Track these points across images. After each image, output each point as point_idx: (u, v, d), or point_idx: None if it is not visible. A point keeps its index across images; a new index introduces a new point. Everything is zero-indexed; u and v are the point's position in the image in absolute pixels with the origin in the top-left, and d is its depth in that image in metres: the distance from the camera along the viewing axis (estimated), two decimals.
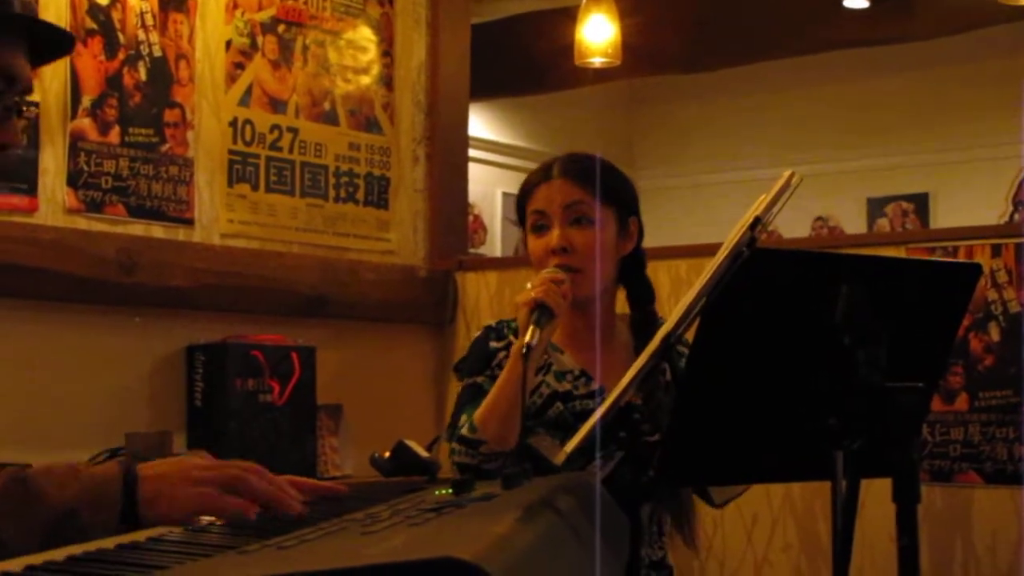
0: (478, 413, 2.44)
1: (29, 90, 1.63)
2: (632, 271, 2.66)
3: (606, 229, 2.57)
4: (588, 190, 2.57)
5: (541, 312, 2.35)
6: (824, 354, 1.80)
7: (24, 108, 1.62)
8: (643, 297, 2.68)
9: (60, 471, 1.38)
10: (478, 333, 2.68)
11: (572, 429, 2.45)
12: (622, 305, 2.70)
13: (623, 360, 2.42)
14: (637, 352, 2.60)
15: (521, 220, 2.66)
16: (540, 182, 2.61)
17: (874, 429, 1.74)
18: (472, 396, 2.54)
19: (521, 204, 2.65)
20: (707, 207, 8.73)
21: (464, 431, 2.45)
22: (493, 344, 2.60)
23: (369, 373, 4.11)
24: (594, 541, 1.19)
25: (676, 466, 1.95)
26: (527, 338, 2.29)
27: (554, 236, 2.54)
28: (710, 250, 2.47)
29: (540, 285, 2.40)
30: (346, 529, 1.01)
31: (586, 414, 2.53)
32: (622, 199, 2.64)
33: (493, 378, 2.54)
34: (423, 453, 3.68)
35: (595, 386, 2.56)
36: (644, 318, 2.66)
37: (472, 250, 4.76)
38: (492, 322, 2.68)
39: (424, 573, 0.72)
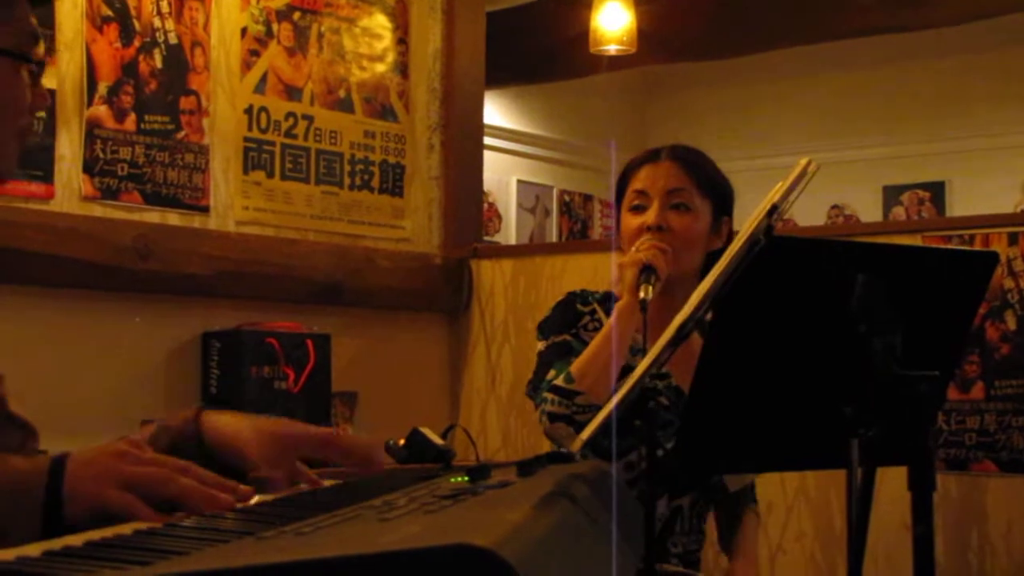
0: (576, 365, 2.46)
1: (44, 59, 1.64)
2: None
3: (701, 219, 2.61)
4: (692, 178, 2.61)
5: (648, 272, 2.40)
6: (840, 342, 1.79)
7: (40, 72, 1.62)
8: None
9: None
10: (560, 298, 2.70)
11: (641, 404, 2.46)
12: None
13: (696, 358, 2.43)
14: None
15: (618, 199, 2.69)
16: (646, 162, 2.65)
17: (890, 418, 1.74)
18: (560, 352, 2.56)
19: (622, 182, 2.68)
20: None
21: (559, 381, 2.46)
22: (580, 307, 2.64)
23: (384, 361, 4.12)
24: (610, 529, 1.19)
25: (692, 454, 1.95)
26: (642, 294, 2.34)
27: (652, 214, 2.57)
28: None
29: (647, 249, 2.45)
30: (362, 516, 1.01)
31: (654, 391, 2.54)
32: (721, 196, 2.67)
33: (578, 338, 2.57)
34: (438, 440, 3.69)
35: (664, 368, 2.57)
36: None
37: (486, 238, 4.76)
38: (576, 290, 2.71)
39: (440, 560, 0.72)
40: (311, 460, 1.57)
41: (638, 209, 2.60)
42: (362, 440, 1.61)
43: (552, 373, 2.51)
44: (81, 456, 1.30)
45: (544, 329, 2.66)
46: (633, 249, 2.49)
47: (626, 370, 2.53)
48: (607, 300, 2.63)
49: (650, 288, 2.37)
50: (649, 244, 2.48)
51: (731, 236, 2.69)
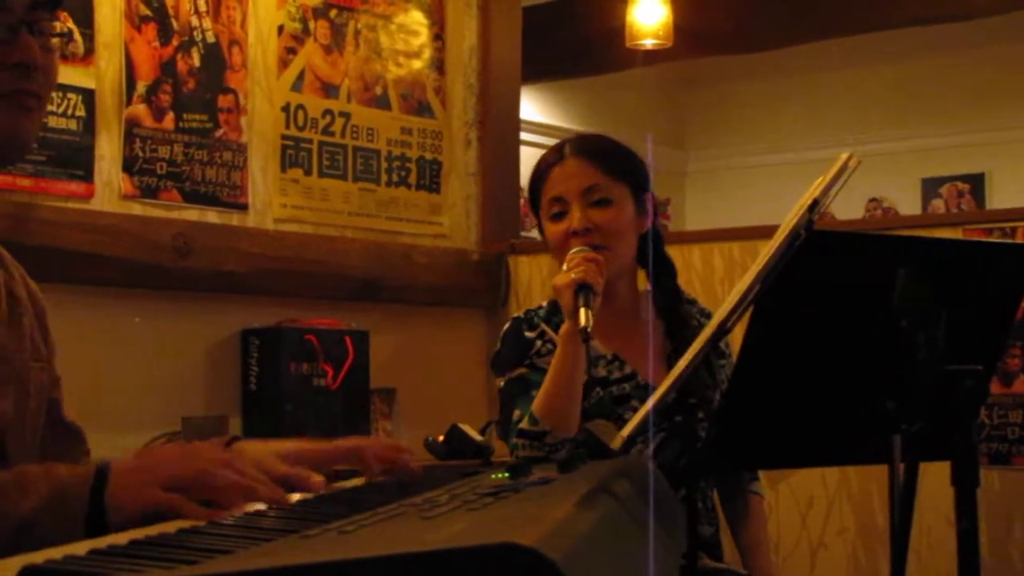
0: (536, 404, 2.40)
1: (37, 6, 1.52)
2: (651, 248, 2.63)
3: (624, 208, 2.56)
4: (603, 170, 2.55)
5: (586, 292, 2.32)
6: (882, 337, 1.78)
7: (36, 23, 1.51)
8: (665, 273, 2.66)
9: (30, 476, 1.32)
10: (506, 326, 2.64)
11: (613, 414, 2.45)
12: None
13: (651, 340, 2.42)
14: (666, 331, 2.60)
15: (535, 208, 2.63)
16: (552, 165, 2.58)
17: (932, 412, 1.72)
18: (519, 389, 2.51)
19: (534, 191, 2.62)
20: (759, 189, 8.69)
21: (524, 424, 2.41)
22: (528, 334, 2.57)
23: (422, 357, 4.12)
24: (652, 526, 1.19)
25: (730, 448, 1.94)
26: (582, 321, 2.27)
27: (575, 218, 2.51)
28: (763, 232, 2.46)
29: (577, 265, 2.37)
30: (405, 514, 1.02)
31: (624, 398, 2.52)
32: (636, 175, 2.61)
33: (534, 367, 2.52)
34: (477, 436, 3.69)
35: (628, 369, 2.55)
36: (668, 295, 2.64)
37: (523, 233, 4.75)
38: (519, 313, 2.65)
39: (486, 559, 0.72)
40: (343, 472, 1.58)
41: (559, 217, 2.54)
42: (389, 445, 1.61)
43: (517, 414, 2.46)
44: (123, 464, 1.31)
45: (497, 365, 2.60)
46: (564, 267, 2.41)
47: (593, 382, 2.51)
48: (553, 314, 2.57)
49: (590, 313, 2.29)
50: (579, 259, 2.39)
51: (656, 207, 2.66)
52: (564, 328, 2.39)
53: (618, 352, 2.56)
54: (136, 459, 1.34)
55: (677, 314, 2.62)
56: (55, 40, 1.56)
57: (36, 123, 1.55)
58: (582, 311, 2.30)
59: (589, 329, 2.27)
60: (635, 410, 2.45)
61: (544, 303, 2.65)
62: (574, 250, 2.44)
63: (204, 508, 1.22)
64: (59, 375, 1.74)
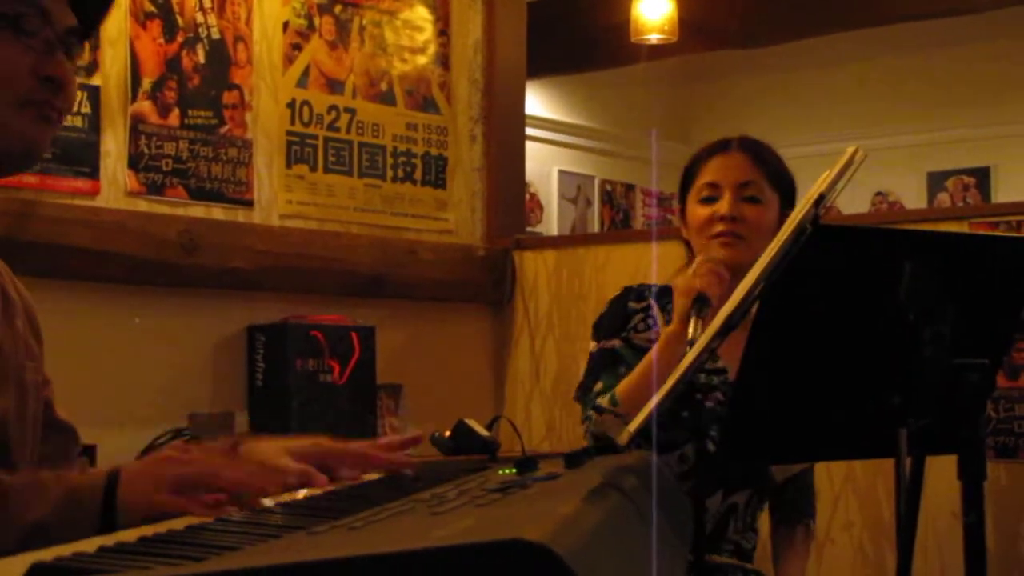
0: (621, 388, 2.43)
1: (74, 32, 1.59)
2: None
3: (771, 211, 2.60)
4: (762, 170, 2.60)
5: (702, 303, 2.32)
6: (888, 331, 1.78)
7: (70, 47, 1.58)
8: None
9: (44, 480, 1.35)
10: (617, 292, 2.67)
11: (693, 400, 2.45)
12: None
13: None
14: None
15: (684, 190, 2.66)
16: (715, 153, 2.63)
17: (939, 406, 1.72)
18: (607, 361, 2.54)
19: (689, 174, 2.66)
20: None
21: (605, 402, 2.44)
22: (632, 305, 2.61)
23: (428, 352, 4.13)
24: (659, 521, 1.19)
25: (739, 444, 1.94)
26: (691, 332, 2.26)
27: (725, 203, 2.55)
28: None
29: (705, 275, 2.37)
30: (413, 510, 1.02)
31: (709, 388, 2.54)
32: (788, 190, 2.66)
33: (628, 341, 2.55)
34: (483, 432, 3.70)
35: (720, 364, 2.56)
36: None
37: (528, 228, 4.76)
38: (633, 284, 2.68)
39: (494, 554, 0.72)
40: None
41: (709, 200, 2.59)
42: (398, 459, 1.62)
43: (599, 386, 2.50)
44: (132, 468, 1.35)
45: (597, 330, 2.64)
46: (691, 271, 2.42)
47: (694, 389, 2.51)
48: (664, 295, 2.60)
49: (700, 323, 2.28)
50: (707, 268, 2.40)
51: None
52: (671, 328, 2.39)
53: (717, 348, 2.57)
54: (144, 463, 1.39)
55: None
56: (79, 68, 1.63)
57: (51, 137, 1.59)
58: (692, 320, 2.29)
59: (696, 340, 2.25)
60: (717, 402, 2.48)
61: (657, 283, 2.68)
62: (704, 257, 2.45)
63: (211, 507, 1.24)
64: (49, 377, 1.75)
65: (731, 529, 2.55)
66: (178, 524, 1.06)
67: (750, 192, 2.58)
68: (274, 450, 1.53)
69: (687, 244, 2.71)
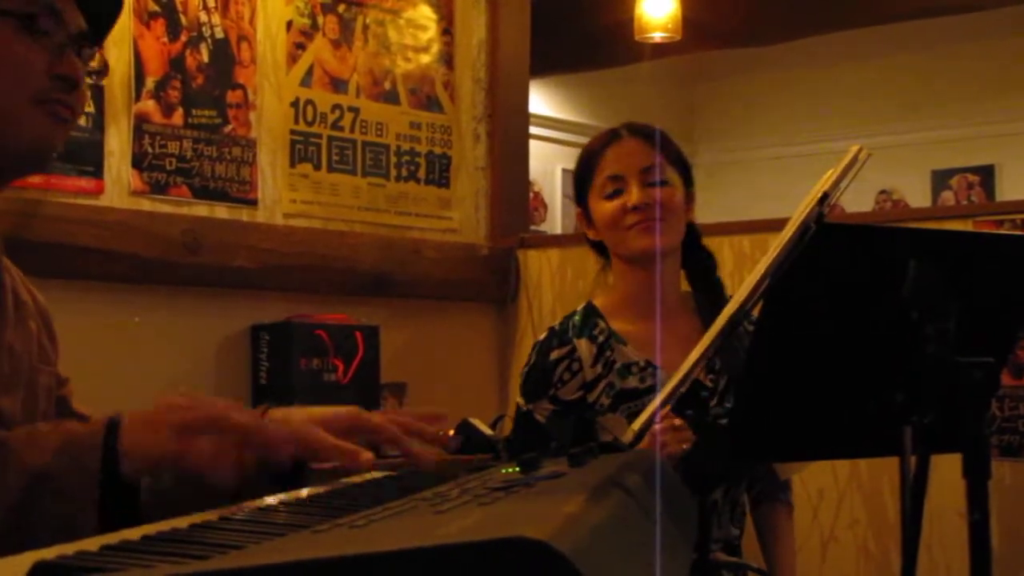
0: None
1: (84, 36, 1.60)
2: (691, 242, 2.63)
3: (678, 191, 2.56)
4: (661, 153, 2.55)
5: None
6: (892, 329, 1.78)
7: (81, 50, 1.59)
8: (706, 266, 2.65)
9: (42, 430, 1.34)
10: (540, 338, 2.59)
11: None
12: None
13: (690, 344, 2.40)
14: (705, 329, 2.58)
15: (583, 189, 2.60)
16: (608, 144, 2.57)
17: (943, 404, 1.72)
18: (531, 430, 2.46)
19: (586, 171, 2.59)
20: (768, 182, 8.68)
21: None
22: (555, 354, 2.53)
23: (432, 351, 4.13)
24: (663, 520, 1.19)
25: (743, 443, 1.94)
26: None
27: (634, 194, 2.50)
28: (773, 226, 2.46)
29: (671, 443, 2.14)
30: (416, 508, 1.02)
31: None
32: (686, 166, 2.62)
33: (555, 399, 2.49)
34: (487, 431, 3.69)
35: (661, 375, 2.52)
36: (709, 291, 2.62)
37: (532, 227, 4.76)
38: (556, 324, 2.60)
39: (497, 553, 0.72)
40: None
41: (615, 195, 2.53)
42: (424, 454, 1.61)
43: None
44: (134, 414, 1.34)
45: (524, 384, 2.57)
46: (656, 431, 2.15)
47: (623, 395, 2.47)
48: (587, 322, 2.54)
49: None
50: (669, 436, 2.15)
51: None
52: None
53: (651, 358, 2.53)
54: (147, 410, 1.35)
55: (719, 310, 2.61)
56: (90, 73, 1.63)
57: (64, 137, 1.59)
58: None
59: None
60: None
61: (579, 308, 2.61)
62: (660, 428, 2.18)
63: (212, 452, 1.22)
64: (66, 376, 1.75)
65: (716, 526, 2.52)
66: (182, 522, 1.05)
67: (654, 176, 2.52)
68: (303, 419, 1.50)
69: (595, 246, 2.65)
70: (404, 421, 1.57)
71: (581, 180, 2.61)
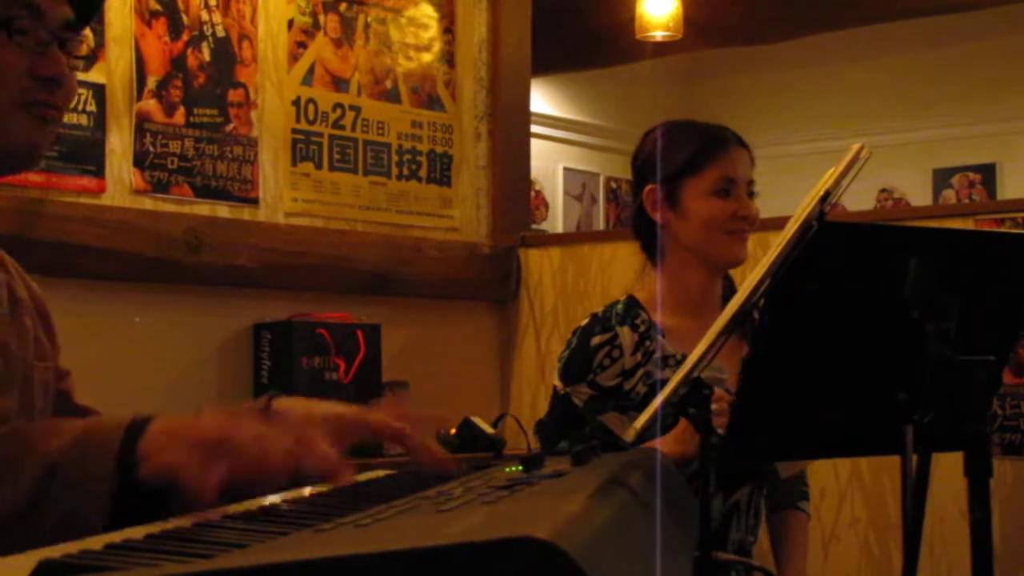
0: None
1: (69, 26, 1.56)
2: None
3: None
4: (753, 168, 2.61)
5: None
6: (894, 327, 1.78)
7: (66, 41, 1.55)
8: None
9: (61, 423, 1.33)
10: (582, 324, 2.58)
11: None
12: None
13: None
14: (741, 332, 2.59)
15: (687, 176, 2.55)
16: (729, 147, 2.57)
17: (945, 403, 1.72)
18: (571, 416, 2.50)
19: (697, 161, 2.56)
20: (770, 180, 8.65)
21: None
22: (596, 340, 2.52)
23: (434, 350, 4.13)
24: (666, 519, 1.19)
25: (744, 442, 1.94)
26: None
27: (747, 204, 2.53)
28: (774, 224, 2.45)
29: (722, 412, 2.08)
30: (420, 507, 1.02)
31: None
32: None
33: (594, 384, 2.49)
34: (489, 429, 3.70)
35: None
36: (729, 289, 2.68)
37: (533, 226, 4.76)
38: (599, 309, 2.59)
39: (502, 552, 0.72)
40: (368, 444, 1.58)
41: (723, 194, 2.53)
42: (425, 446, 1.60)
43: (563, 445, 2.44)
44: (168, 421, 1.30)
45: (564, 369, 2.56)
46: (713, 406, 2.05)
47: (659, 384, 2.48)
48: (629, 312, 2.54)
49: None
50: (723, 408, 2.08)
51: None
52: (681, 447, 2.19)
53: (688, 353, 2.52)
54: (179, 419, 1.33)
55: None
56: (77, 60, 1.60)
57: (51, 136, 1.58)
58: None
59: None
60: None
61: (621, 299, 2.60)
62: (723, 394, 2.16)
63: (202, 474, 1.21)
64: (68, 369, 1.74)
65: (735, 528, 2.53)
66: (185, 521, 1.06)
67: (751, 189, 2.58)
68: (306, 414, 1.49)
69: (641, 231, 2.63)
70: (407, 418, 1.56)
71: (685, 168, 2.57)
